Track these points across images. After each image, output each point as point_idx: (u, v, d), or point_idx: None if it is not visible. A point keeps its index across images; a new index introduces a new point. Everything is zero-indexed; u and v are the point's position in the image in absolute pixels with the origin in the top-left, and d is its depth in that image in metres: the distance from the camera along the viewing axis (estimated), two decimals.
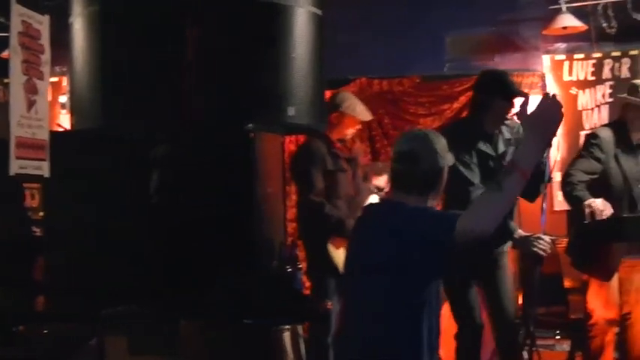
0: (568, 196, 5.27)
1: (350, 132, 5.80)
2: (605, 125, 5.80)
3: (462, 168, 4.80)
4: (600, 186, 5.24)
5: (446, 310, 5.61)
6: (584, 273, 5.52)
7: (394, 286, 3.41)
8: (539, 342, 6.56)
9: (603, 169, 5.32)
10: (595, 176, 5.30)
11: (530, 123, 3.34)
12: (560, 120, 3.31)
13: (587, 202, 4.99)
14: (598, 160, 5.31)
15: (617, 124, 5.54)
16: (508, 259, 5.20)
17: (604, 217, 4.91)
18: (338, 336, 4.09)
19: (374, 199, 5.84)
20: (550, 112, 3.26)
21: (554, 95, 3.31)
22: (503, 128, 5.09)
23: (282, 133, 4.80)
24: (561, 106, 3.27)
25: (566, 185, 5.27)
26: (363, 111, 5.76)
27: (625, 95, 5.51)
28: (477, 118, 5.05)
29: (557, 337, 7.34)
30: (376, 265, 3.45)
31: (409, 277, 3.41)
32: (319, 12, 4.48)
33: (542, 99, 3.30)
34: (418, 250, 3.34)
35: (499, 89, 4.96)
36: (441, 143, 3.55)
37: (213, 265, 4.19)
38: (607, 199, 5.07)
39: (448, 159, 3.56)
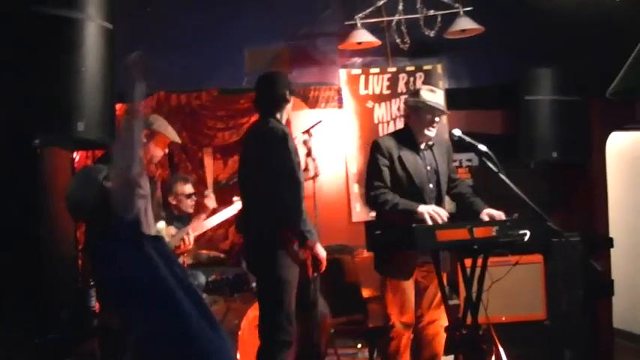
0: (395, 211, 5.30)
1: (159, 154, 5.76)
2: (388, 134, 6.02)
3: None
4: (394, 191, 5.36)
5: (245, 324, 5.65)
6: (385, 275, 5.62)
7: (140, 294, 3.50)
8: (341, 351, 6.70)
9: (391, 174, 5.45)
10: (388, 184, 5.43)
11: None
12: None
13: (420, 211, 5.13)
14: (385, 166, 5.44)
15: (401, 130, 5.74)
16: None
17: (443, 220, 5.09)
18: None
19: (161, 224, 5.74)
20: None
21: None
22: None
23: (71, 149, 4.72)
24: None
25: (384, 204, 5.33)
26: (173, 132, 5.76)
27: (407, 97, 5.74)
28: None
29: (359, 345, 7.47)
30: (114, 288, 3.54)
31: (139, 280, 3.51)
32: (110, 26, 4.43)
33: None
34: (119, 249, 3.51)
35: (289, 84, 5.29)
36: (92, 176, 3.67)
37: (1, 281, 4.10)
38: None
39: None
